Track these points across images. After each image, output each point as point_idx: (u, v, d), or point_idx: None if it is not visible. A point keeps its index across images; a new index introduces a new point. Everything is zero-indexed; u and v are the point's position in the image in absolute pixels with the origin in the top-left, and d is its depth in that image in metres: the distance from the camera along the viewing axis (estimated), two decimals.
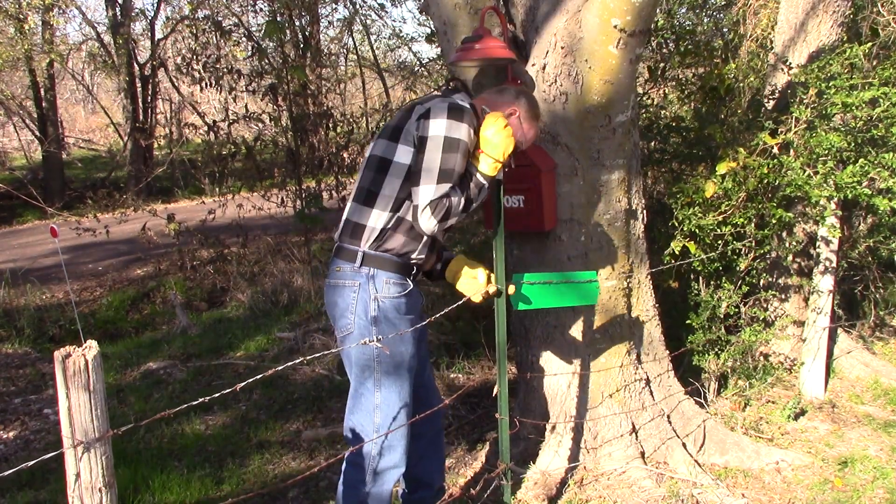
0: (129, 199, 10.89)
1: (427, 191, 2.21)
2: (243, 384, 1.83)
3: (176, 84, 13.13)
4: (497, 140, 2.25)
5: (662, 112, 4.66)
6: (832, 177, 3.37)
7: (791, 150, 3.61)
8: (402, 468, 2.41)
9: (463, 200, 2.26)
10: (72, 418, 1.49)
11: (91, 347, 1.50)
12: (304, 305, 6.14)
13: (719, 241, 3.61)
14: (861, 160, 3.35)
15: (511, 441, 2.75)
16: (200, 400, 1.86)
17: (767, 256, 4.08)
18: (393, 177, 2.28)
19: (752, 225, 3.60)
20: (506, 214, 2.88)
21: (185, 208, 11.31)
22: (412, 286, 2.35)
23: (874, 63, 4.34)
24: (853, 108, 3.38)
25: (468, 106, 2.33)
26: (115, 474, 1.59)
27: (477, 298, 2.45)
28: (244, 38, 7.56)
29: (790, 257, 4.12)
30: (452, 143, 2.22)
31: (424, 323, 2.43)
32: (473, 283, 2.47)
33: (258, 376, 2.01)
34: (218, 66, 7.16)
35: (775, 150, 3.64)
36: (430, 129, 2.23)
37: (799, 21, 4.24)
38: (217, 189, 10.00)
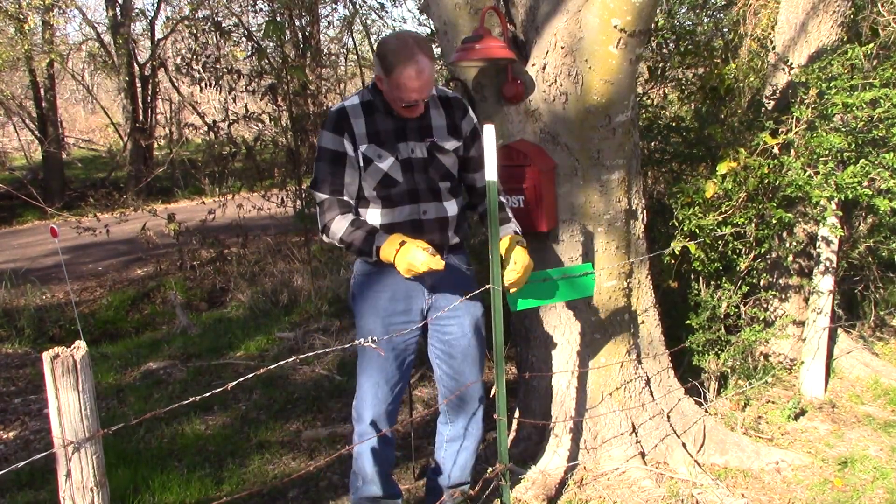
0: (129, 199, 10.89)
1: (315, 195, 2.45)
2: (234, 383, 1.84)
3: (176, 84, 13.13)
4: (408, 266, 2.24)
5: (662, 112, 4.66)
6: (833, 177, 3.37)
7: (791, 151, 3.61)
8: (373, 433, 2.52)
9: (341, 231, 2.38)
10: (61, 418, 1.49)
11: (80, 347, 1.50)
12: (304, 305, 6.14)
13: (719, 241, 3.61)
14: (862, 161, 3.35)
15: (510, 441, 2.75)
16: (191, 400, 1.87)
17: (767, 256, 4.08)
18: None
19: (753, 225, 3.60)
20: None
21: (185, 208, 11.31)
22: (374, 267, 2.46)
23: (874, 63, 4.33)
24: (854, 108, 3.38)
25: (339, 105, 2.41)
26: (106, 474, 1.59)
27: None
28: (244, 38, 7.55)
29: (790, 257, 4.12)
30: (318, 151, 2.40)
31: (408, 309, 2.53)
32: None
33: (250, 374, 2.03)
34: (218, 66, 7.16)
35: (776, 151, 3.64)
36: None
37: (799, 21, 4.24)
38: (217, 189, 10.00)
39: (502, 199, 2.59)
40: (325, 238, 2.43)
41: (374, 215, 2.46)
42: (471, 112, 2.55)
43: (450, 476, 2.74)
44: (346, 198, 2.40)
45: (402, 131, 2.40)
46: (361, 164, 2.39)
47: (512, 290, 2.45)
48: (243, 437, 3.76)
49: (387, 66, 2.25)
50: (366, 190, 2.43)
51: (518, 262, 2.39)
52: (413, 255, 2.22)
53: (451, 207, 2.52)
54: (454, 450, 2.71)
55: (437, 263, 2.23)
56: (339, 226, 2.37)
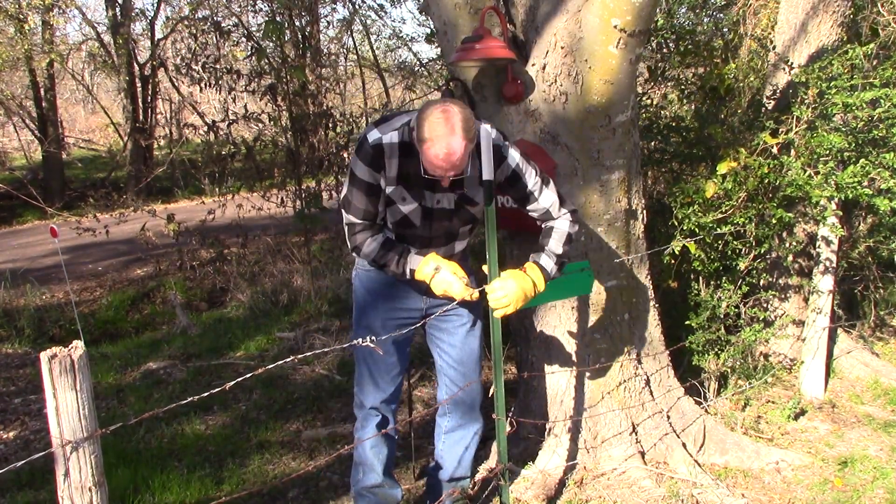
0: (128, 199, 10.89)
1: (343, 216, 2.41)
2: (233, 382, 1.84)
3: (176, 84, 13.13)
4: (442, 290, 2.31)
5: (662, 112, 4.66)
6: (833, 177, 3.37)
7: (792, 150, 3.61)
8: (374, 423, 2.59)
9: (374, 254, 2.37)
10: (59, 418, 1.49)
11: (77, 347, 1.51)
12: (304, 305, 6.14)
13: (719, 241, 3.61)
14: (862, 160, 3.35)
15: (510, 441, 2.75)
16: (191, 399, 1.87)
17: (767, 256, 4.08)
18: None
19: (753, 225, 3.60)
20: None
21: (185, 208, 11.31)
22: (372, 271, 2.53)
23: (874, 63, 4.34)
24: (854, 108, 3.38)
25: (377, 136, 2.26)
26: (106, 474, 1.59)
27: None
28: (244, 39, 7.55)
29: (790, 257, 4.12)
30: (349, 175, 2.35)
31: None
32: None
33: (250, 374, 2.04)
34: (217, 66, 7.15)
35: (776, 150, 3.64)
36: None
37: (799, 21, 4.24)
38: (217, 189, 10.00)
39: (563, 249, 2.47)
40: (355, 255, 2.46)
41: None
42: (508, 159, 2.37)
43: (448, 470, 2.75)
44: (377, 222, 2.40)
45: (432, 180, 2.29)
46: (385, 201, 2.37)
47: (495, 314, 2.36)
48: (243, 437, 3.76)
49: (419, 136, 2.14)
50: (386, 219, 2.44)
51: (501, 286, 2.30)
52: (450, 285, 2.29)
53: (461, 245, 2.55)
54: (452, 441, 2.72)
55: (473, 295, 2.30)
56: (371, 248, 2.37)
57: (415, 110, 2.28)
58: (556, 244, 2.42)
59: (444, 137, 2.09)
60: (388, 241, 2.38)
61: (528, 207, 2.47)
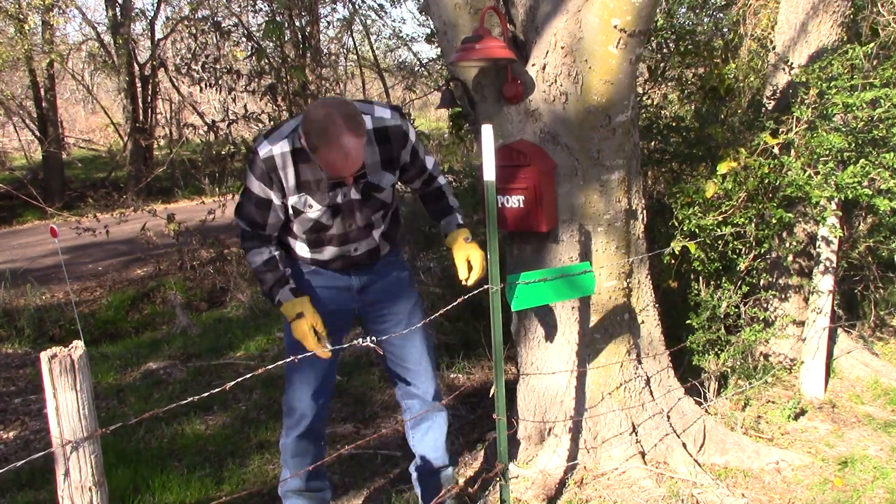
0: (129, 199, 10.89)
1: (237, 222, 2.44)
2: (233, 382, 1.85)
3: (176, 84, 13.13)
4: (295, 331, 2.32)
5: (662, 112, 4.66)
6: (833, 177, 3.37)
7: (792, 151, 3.61)
8: (302, 427, 2.57)
9: (255, 266, 2.40)
10: (59, 418, 1.49)
11: (77, 347, 1.51)
12: None
13: (719, 241, 3.61)
14: (862, 161, 3.35)
15: (510, 441, 2.75)
16: (191, 399, 1.87)
17: (767, 256, 4.08)
18: None
19: (753, 225, 3.60)
20: (505, 215, 2.89)
21: (185, 208, 11.31)
22: (309, 267, 2.51)
23: (874, 63, 4.33)
24: (854, 108, 3.38)
25: (267, 149, 2.21)
26: (106, 474, 1.59)
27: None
28: (244, 39, 7.56)
29: (790, 257, 4.12)
30: (244, 190, 2.34)
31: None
32: None
33: (250, 374, 2.04)
34: (217, 66, 7.16)
35: (776, 151, 3.64)
36: None
37: (799, 21, 4.24)
38: (217, 189, 10.00)
39: (442, 180, 2.62)
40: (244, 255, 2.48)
41: (302, 249, 2.47)
42: (410, 136, 2.39)
43: (428, 460, 2.76)
44: (266, 233, 2.38)
45: (331, 180, 2.28)
46: (291, 213, 2.33)
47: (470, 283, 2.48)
48: (243, 437, 3.76)
49: (310, 144, 2.09)
50: (295, 229, 2.39)
51: (476, 265, 2.46)
52: (304, 336, 2.28)
53: (379, 232, 2.52)
54: (421, 433, 2.74)
55: (323, 354, 2.30)
56: (255, 259, 2.39)
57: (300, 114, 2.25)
58: (453, 200, 2.61)
59: (335, 140, 2.06)
60: (271, 260, 2.37)
61: (420, 178, 2.54)
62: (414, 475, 2.89)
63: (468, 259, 2.48)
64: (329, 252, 2.45)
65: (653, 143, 4.28)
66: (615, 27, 2.66)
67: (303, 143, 2.16)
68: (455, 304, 2.50)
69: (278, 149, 2.21)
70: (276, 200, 2.28)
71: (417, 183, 2.58)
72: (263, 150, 2.21)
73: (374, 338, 2.28)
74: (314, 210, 2.31)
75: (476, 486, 2.90)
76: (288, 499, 2.70)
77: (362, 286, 2.55)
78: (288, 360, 2.17)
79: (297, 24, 7.52)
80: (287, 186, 2.25)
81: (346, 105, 2.11)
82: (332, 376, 2.62)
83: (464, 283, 2.49)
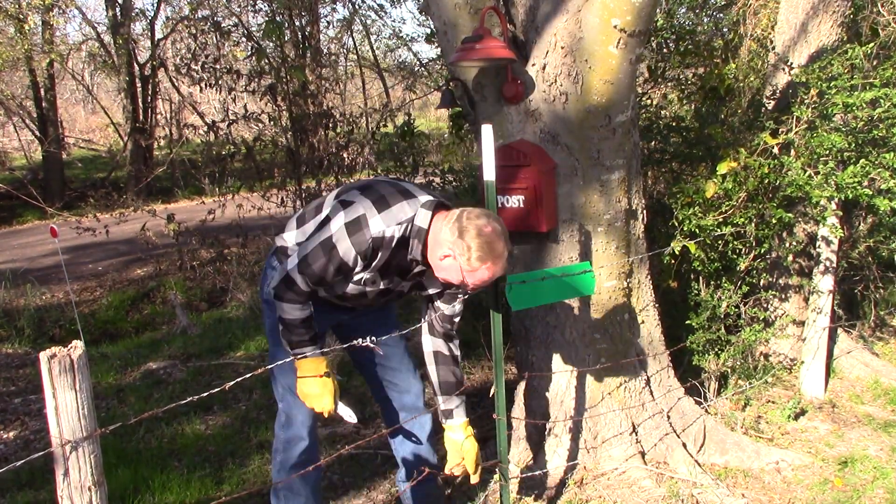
0: (129, 199, 10.89)
1: (292, 261, 2.24)
2: (233, 382, 1.85)
3: (176, 84, 13.13)
4: (308, 391, 2.30)
5: (662, 112, 4.66)
6: (833, 177, 3.37)
7: (792, 151, 3.60)
8: (305, 440, 2.52)
9: (287, 323, 2.27)
10: (59, 417, 1.49)
11: (76, 347, 1.50)
12: None
13: (719, 241, 3.61)
14: (862, 160, 3.35)
15: (510, 441, 2.75)
16: (191, 399, 1.87)
17: (767, 256, 4.08)
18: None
19: (753, 225, 3.60)
20: (505, 214, 2.89)
21: (185, 208, 11.31)
22: None
23: (874, 63, 4.34)
24: (854, 108, 3.38)
25: (380, 229, 2.13)
26: (106, 474, 1.59)
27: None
28: (244, 39, 7.56)
29: (790, 257, 4.12)
30: (322, 238, 2.18)
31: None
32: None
33: (250, 374, 2.04)
34: (217, 66, 7.16)
35: (776, 151, 3.64)
36: (332, 219, 2.20)
37: (799, 21, 4.24)
38: (217, 189, 9.99)
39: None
40: (271, 297, 2.30)
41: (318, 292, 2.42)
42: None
43: (409, 463, 2.73)
44: (317, 293, 2.31)
45: (405, 272, 2.29)
46: (353, 278, 2.30)
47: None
48: (243, 437, 3.76)
49: (472, 260, 2.08)
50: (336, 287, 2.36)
51: (471, 463, 2.47)
52: (323, 397, 2.28)
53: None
54: (403, 437, 2.71)
55: (327, 414, 2.34)
56: (294, 313, 2.25)
57: (412, 197, 2.19)
58: (462, 376, 2.52)
59: (503, 254, 2.11)
60: (309, 319, 2.29)
61: (444, 307, 2.45)
62: (402, 486, 2.80)
63: (463, 457, 2.48)
64: (338, 301, 2.44)
65: (653, 143, 4.28)
66: (615, 27, 2.66)
67: (446, 253, 2.12)
68: (454, 303, 2.50)
69: (390, 232, 2.16)
70: (356, 270, 2.22)
71: (444, 309, 2.47)
72: (376, 229, 2.13)
73: (373, 338, 2.27)
74: (373, 287, 2.31)
75: (476, 486, 2.90)
76: None
77: (349, 318, 2.58)
78: (278, 361, 2.16)
79: (297, 24, 7.52)
80: (374, 264, 2.21)
81: (498, 217, 2.17)
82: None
83: (448, 472, 2.50)
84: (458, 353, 2.51)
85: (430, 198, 2.22)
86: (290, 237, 2.44)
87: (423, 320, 2.51)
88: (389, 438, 2.76)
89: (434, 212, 2.17)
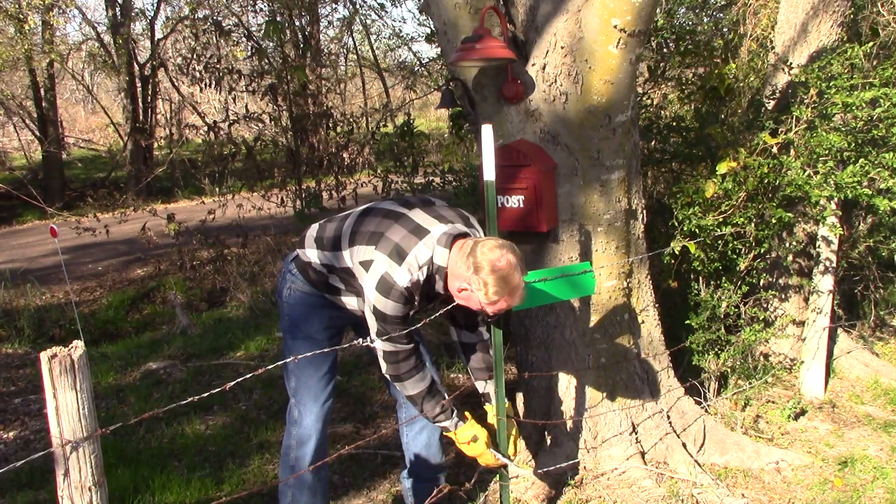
0: (129, 199, 10.90)
1: (376, 338, 2.30)
2: (233, 382, 1.84)
3: (176, 84, 13.14)
4: (470, 454, 2.43)
5: (662, 112, 4.66)
6: (832, 177, 3.37)
7: (791, 150, 3.61)
8: (316, 437, 2.57)
9: (417, 392, 2.37)
10: (59, 418, 1.49)
11: (77, 347, 1.50)
12: None
13: (719, 241, 3.61)
14: (861, 160, 3.35)
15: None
16: (191, 399, 1.87)
17: (767, 256, 4.08)
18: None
19: (752, 225, 3.60)
20: (505, 214, 2.89)
21: (185, 208, 11.31)
22: (312, 292, 2.54)
23: (874, 63, 4.34)
24: (854, 108, 3.38)
25: (407, 278, 2.21)
26: (106, 474, 1.59)
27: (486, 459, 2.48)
28: (244, 39, 7.56)
29: (790, 257, 4.12)
30: (381, 315, 2.25)
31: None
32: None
33: (250, 374, 2.04)
34: (218, 66, 7.16)
35: (775, 150, 3.64)
36: (364, 286, 2.29)
37: (799, 21, 4.24)
38: (217, 189, 10.00)
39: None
40: (386, 374, 2.37)
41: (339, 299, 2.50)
42: None
43: (421, 459, 2.74)
44: (412, 343, 2.37)
45: (434, 298, 2.39)
46: None
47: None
48: (243, 437, 3.76)
49: (489, 294, 2.15)
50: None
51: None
52: (484, 456, 2.42)
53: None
54: (415, 431, 2.73)
55: (494, 465, 2.48)
56: (418, 385, 2.36)
57: (425, 233, 2.26)
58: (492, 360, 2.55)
59: (518, 288, 2.17)
60: (434, 385, 2.39)
61: (469, 326, 2.55)
62: (406, 484, 2.84)
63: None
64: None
65: (653, 143, 4.28)
66: (615, 27, 2.66)
67: (464, 286, 2.19)
68: (455, 303, 2.50)
69: (416, 276, 2.23)
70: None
71: (469, 330, 2.59)
72: (404, 282, 2.20)
73: (362, 339, 2.32)
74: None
75: (476, 486, 2.90)
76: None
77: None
78: (288, 360, 2.19)
79: (298, 24, 7.53)
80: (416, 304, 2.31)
81: (513, 247, 2.20)
82: (334, 381, 2.63)
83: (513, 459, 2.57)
84: (486, 336, 2.57)
85: (444, 229, 2.27)
86: (313, 255, 2.48)
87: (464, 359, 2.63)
88: (402, 429, 2.77)
89: (450, 247, 2.24)
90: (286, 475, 2.61)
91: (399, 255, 2.21)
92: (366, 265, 2.26)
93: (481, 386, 2.59)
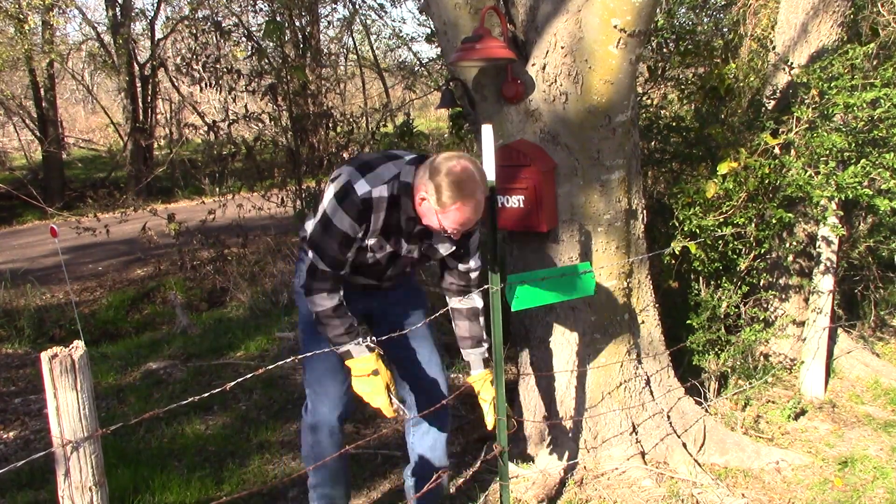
0: (129, 199, 10.90)
1: (311, 255, 2.29)
2: (233, 383, 1.85)
3: (176, 84, 13.14)
4: (362, 391, 2.31)
5: (662, 112, 4.66)
6: (833, 177, 3.37)
7: (792, 151, 3.60)
8: (332, 422, 2.55)
9: (320, 316, 2.30)
10: (60, 418, 1.49)
11: (78, 347, 1.51)
12: None
13: (719, 242, 3.61)
14: (862, 161, 3.35)
15: (510, 441, 2.75)
16: (191, 399, 1.87)
17: (767, 256, 4.08)
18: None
19: (753, 225, 3.60)
20: (505, 214, 2.89)
21: (185, 208, 11.31)
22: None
23: (875, 63, 4.34)
24: (854, 108, 3.38)
25: (366, 189, 2.17)
26: (106, 474, 1.59)
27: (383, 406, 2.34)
28: (244, 38, 7.56)
29: (790, 257, 4.12)
30: (326, 221, 2.22)
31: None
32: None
33: (250, 374, 2.04)
34: (218, 66, 7.16)
35: (776, 151, 3.64)
36: (324, 197, 2.26)
37: (799, 21, 4.24)
38: (217, 189, 10.00)
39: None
40: (304, 294, 2.33)
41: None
42: (476, 233, 2.44)
43: (425, 459, 2.74)
44: (342, 273, 2.32)
45: (409, 233, 2.32)
46: (359, 250, 2.33)
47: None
48: (243, 437, 3.76)
49: (442, 199, 2.10)
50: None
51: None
52: (379, 395, 2.28)
53: (413, 272, 2.62)
54: (421, 433, 2.72)
55: (390, 414, 2.33)
56: (323, 303, 2.28)
57: (398, 158, 2.25)
58: (481, 330, 2.54)
59: (474, 195, 2.10)
60: (341, 307, 2.31)
61: (457, 264, 2.47)
62: (409, 482, 2.83)
63: (494, 402, 2.51)
64: (362, 280, 2.47)
65: (653, 143, 4.28)
66: (615, 27, 2.66)
67: (422, 196, 2.15)
68: (469, 260, 2.50)
69: (377, 192, 2.19)
70: (359, 236, 2.26)
71: (456, 269, 2.51)
72: (362, 190, 2.17)
73: (373, 338, 2.32)
74: (381, 252, 2.33)
75: (476, 487, 2.90)
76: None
77: (379, 302, 2.60)
78: (305, 355, 2.23)
79: (297, 24, 7.52)
80: (372, 229, 2.25)
81: (475, 161, 2.16)
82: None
83: (490, 429, 2.55)
84: (478, 304, 2.53)
85: (416, 156, 2.25)
86: (309, 225, 2.46)
87: (441, 285, 2.56)
88: (408, 430, 2.76)
89: (418, 165, 2.20)
90: (308, 464, 2.63)
91: (366, 167, 2.21)
92: (334, 179, 2.24)
93: (465, 354, 2.57)
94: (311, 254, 2.28)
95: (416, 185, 2.18)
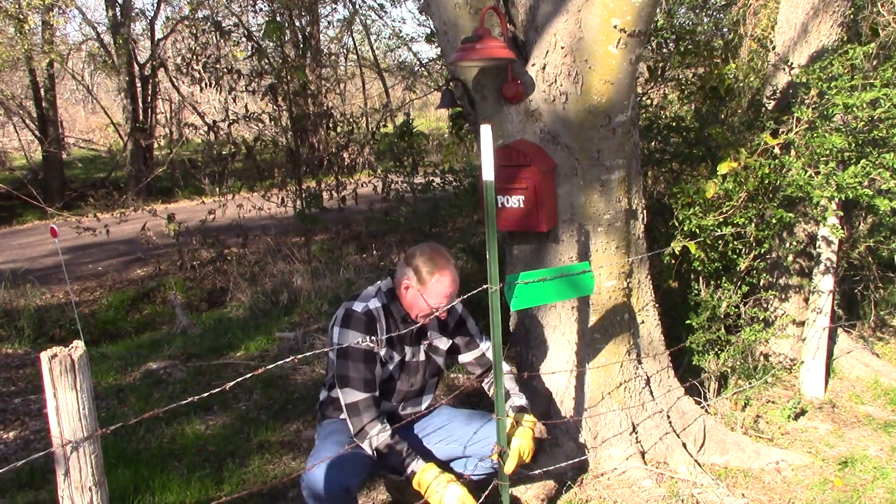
0: (129, 199, 10.91)
1: (342, 394, 2.43)
2: (233, 382, 1.85)
3: (176, 84, 13.15)
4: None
5: (662, 112, 4.66)
6: (833, 177, 3.37)
7: (792, 151, 3.60)
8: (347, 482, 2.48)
9: (382, 445, 2.36)
10: (60, 418, 1.49)
11: (77, 347, 1.51)
12: (304, 305, 6.14)
13: (719, 241, 3.61)
14: (862, 161, 3.35)
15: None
16: (191, 399, 1.87)
17: (767, 256, 4.08)
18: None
19: (753, 225, 3.60)
20: (505, 214, 2.89)
21: (185, 208, 11.31)
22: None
23: (874, 63, 4.34)
24: (854, 108, 3.38)
25: (363, 305, 2.44)
26: (106, 474, 1.59)
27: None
28: (244, 38, 7.56)
29: (790, 257, 4.12)
30: (343, 352, 2.41)
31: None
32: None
33: (250, 374, 2.04)
34: (218, 66, 7.16)
35: (776, 151, 3.64)
36: (331, 334, 2.52)
37: (799, 21, 4.24)
38: (217, 189, 10.01)
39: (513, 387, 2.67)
40: (356, 438, 2.38)
41: None
42: (456, 306, 2.62)
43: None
44: (376, 394, 2.43)
45: (406, 336, 2.54)
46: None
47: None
48: (243, 437, 3.76)
49: (422, 276, 2.41)
50: None
51: (518, 453, 2.46)
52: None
53: (427, 400, 2.73)
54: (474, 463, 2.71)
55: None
56: (380, 436, 2.36)
57: (373, 283, 2.58)
58: (513, 385, 2.68)
59: (447, 266, 2.43)
60: (394, 433, 2.39)
61: (471, 351, 2.72)
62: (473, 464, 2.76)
63: (520, 449, 2.49)
64: (382, 405, 2.54)
65: (653, 143, 4.28)
66: (615, 27, 2.66)
67: (406, 284, 2.43)
68: (455, 302, 2.50)
69: (373, 304, 2.48)
70: (377, 350, 2.45)
71: (469, 356, 2.74)
72: (360, 307, 2.45)
73: (372, 337, 2.45)
74: (392, 363, 2.52)
75: (476, 486, 2.89)
76: None
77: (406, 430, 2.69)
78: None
79: (297, 24, 7.53)
80: (381, 339, 2.47)
81: (437, 245, 2.51)
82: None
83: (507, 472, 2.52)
84: (506, 368, 2.65)
85: (385, 273, 2.57)
86: (328, 383, 2.70)
87: (477, 381, 2.80)
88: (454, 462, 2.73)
89: (391, 274, 2.53)
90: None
91: (354, 297, 2.53)
92: (331, 325, 2.51)
93: (515, 400, 2.62)
94: (340, 394, 2.41)
95: (398, 281, 2.47)
